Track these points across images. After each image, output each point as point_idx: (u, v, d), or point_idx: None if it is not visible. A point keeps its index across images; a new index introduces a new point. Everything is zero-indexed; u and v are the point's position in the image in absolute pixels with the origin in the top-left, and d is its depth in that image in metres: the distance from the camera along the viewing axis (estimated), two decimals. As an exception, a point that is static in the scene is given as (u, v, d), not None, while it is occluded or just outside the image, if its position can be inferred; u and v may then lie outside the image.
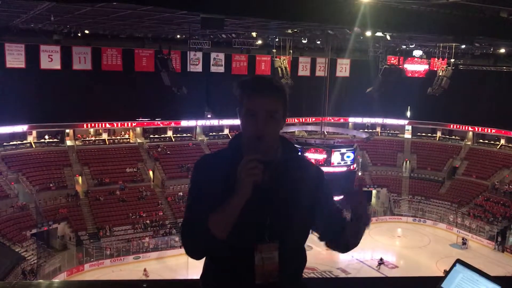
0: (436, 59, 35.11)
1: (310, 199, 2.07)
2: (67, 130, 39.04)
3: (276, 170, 2.00)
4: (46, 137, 38.47)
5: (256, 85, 1.99)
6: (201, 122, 43.36)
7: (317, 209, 2.09)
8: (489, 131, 45.27)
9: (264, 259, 1.94)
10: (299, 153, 2.20)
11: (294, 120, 45.53)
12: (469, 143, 46.27)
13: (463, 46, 32.88)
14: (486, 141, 46.02)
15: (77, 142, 39.26)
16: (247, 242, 1.95)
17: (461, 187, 42.28)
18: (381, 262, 31.12)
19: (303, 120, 45.21)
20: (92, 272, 29.25)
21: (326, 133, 32.62)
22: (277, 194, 2.00)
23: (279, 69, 35.52)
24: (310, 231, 2.15)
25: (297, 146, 2.08)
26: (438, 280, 2.22)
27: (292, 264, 2.06)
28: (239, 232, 1.92)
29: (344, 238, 2.12)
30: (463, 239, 35.70)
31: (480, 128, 45.67)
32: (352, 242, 2.15)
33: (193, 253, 2.04)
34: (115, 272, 28.84)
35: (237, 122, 2.01)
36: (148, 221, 34.15)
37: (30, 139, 37.63)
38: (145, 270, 27.89)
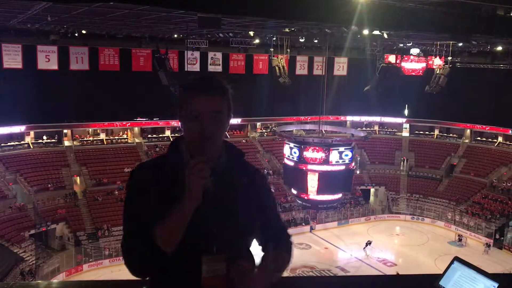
0: (434, 57, 35.14)
1: (253, 205, 1.98)
2: (65, 131, 38.99)
3: (221, 177, 1.89)
4: (44, 137, 38.44)
5: (199, 85, 1.90)
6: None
7: (258, 216, 2.01)
8: (486, 128, 45.39)
9: (211, 272, 1.81)
10: (243, 158, 2.08)
11: (293, 119, 45.59)
12: (467, 141, 46.36)
13: (460, 44, 32.92)
14: (484, 139, 46.12)
15: (75, 143, 39.22)
16: (193, 254, 1.81)
17: (459, 185, 42.36)
18: (368, 243, 32.20)
19: (301, 119, 45.24)
20: (91, 273, 29.22)
21: (324, 132, 32.63)
22: (222, 201, 1.90)
23: (276, 68, 35.52)
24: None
25: (241, 150, 1.96)
26: (437, 277, 2.23)
27: (242, 273, 1.91)
28: (184, 244, 1.81)
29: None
30: (459, 235, 35.93)
31: (477, 126, 45.78)
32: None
33: (138, 271, 1.88)
34: (114, 272, 28.81)
35: (233, 120, 1.96)
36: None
37: (28, 139, 37.58)
38: None
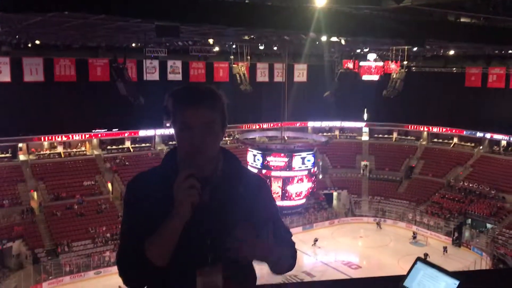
0: (390, 62, 36.10)
1: (252, 214, 1.90)
2: (20, 145, 37.66)
3: (217, 186, 1.85)
4: (-2, 152, 37.01)
5: (190, 96, 1.81)
6: (160, 131, 42.78)
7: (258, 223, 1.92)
8: (442, 130, 46.94)
9: (207, 284, 1.77)
10: (240, 165, 2.02)
11: (255, 126, 45.72)
12: (424, 142, 47.79)
13: (415, 49, 33.96)
14: (440, 140, 47.68)
15: (30, 157, 37.93)
16: (188, 266, 1.78)
17: (418, 186, 43.55)
18: (315, 240, 34.49)
19: (263, 126, 45.44)
20: (51, 291, 28.23)
21: (286, 138, 32.88)
22: (218, 212, 1.85)
23: (237, 75, 35.58)
24: None
25: (237, 157, 1.91)
26: (401, 278, 2.24)
27: (240, 285, 1.90)
28: (179, 256, 1.78)
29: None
30: (413, 233, 37.08)
31: (433, 128, 47.29)
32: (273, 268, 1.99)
33: (132, 284, 1.85)
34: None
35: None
36: (108, 235, 33.30)
37: (-20, 155, 36.13)
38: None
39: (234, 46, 33.69)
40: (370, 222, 41.01)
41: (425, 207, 40.83)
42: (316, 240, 34.97)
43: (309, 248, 34.55)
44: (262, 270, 1.95)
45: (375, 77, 36.57)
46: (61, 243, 31.76)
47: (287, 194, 27.00)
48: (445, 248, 33.95)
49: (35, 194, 35.11)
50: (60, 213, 34.08)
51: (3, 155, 37.09)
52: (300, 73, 45.56)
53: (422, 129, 47.88)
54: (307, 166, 27.21)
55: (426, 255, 27.14)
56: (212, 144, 1.84)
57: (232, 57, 35.72)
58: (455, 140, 46.67)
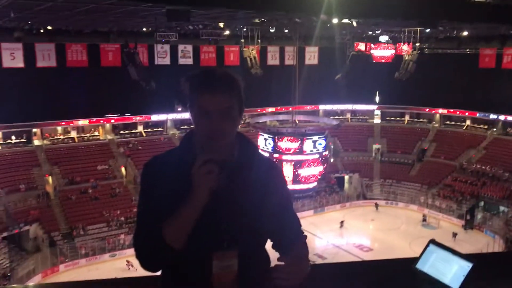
0: (402, 43, 35.64)
1: (266, 199, 1.90)
2: (34, 130, 38.10)
3: (233, 170, 1.83)
4: (13, 137, 37.46)
5: (207, 81, 1.80)
6: (171, 116, 42.95)
7: (273, 211, 1.93)
8: (456, 113, 46.43)
9: (222, 268, 1.79)
10: (256, 150, 2.02)
11: (266, 110, 45.63)
12: (436, 125, 47.36)
13: (428, 30, 33.45)
14: (453, 123, 47.22)
15: (45, 142, 38.38)
16: (204, 250, 1.80)
17: (430, 169, 43.30)
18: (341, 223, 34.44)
19: (274, 110, 45.31)
20: (67, 273, 28.79)
21: (297, 122, 32.79)
22: (233, 196, 1.84)
23: (248, 59, 35.41)
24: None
25: (254, 142, 1.92)
26: (413, 261, 2.29)
27: (254, 270, 1.88)
28: (194, 240, 1.78)
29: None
30: (423, 215, 37.03)
31: (446, 110, 46.79)
32: None
33: (149, 267, 1.86)
34: (91, 272, 28.48)
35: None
36: (122, 218, 33.75)
37: (-4, 140, 36.64)
38: (127, 262, 27.58)
39: (244, 30, 33.47)
40: (382, 205, 40.97)
41: (437, 190, 40.64)
42: (342, 222, 35.64)
43: (320, 231, 34.72)
44: (273, 254, 2.01)
45: (388, 58, 36.16)
46: (76, 227, 32.28)
47: (298, 178, 27.04)
48: (454, 234, 32.65)
49: (50, 179, 35.59)
50: (75, 197, 34.57)
51: (18, 140, 37.58)
52: (311, 55, 45.10)
53: (434, 111, 47.40)
54: (318, 150, 27.16)
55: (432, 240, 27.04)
56: (230, 129, 1.83)
57: (242, 40, 35.50)
58: (468, 122, 46.18)
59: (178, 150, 1.94)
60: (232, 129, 1.85)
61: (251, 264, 1.86)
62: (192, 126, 1.91)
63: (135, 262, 2.08)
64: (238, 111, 1.86)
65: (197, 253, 1.81)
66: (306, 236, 2.04)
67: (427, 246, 2.27)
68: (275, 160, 26.81)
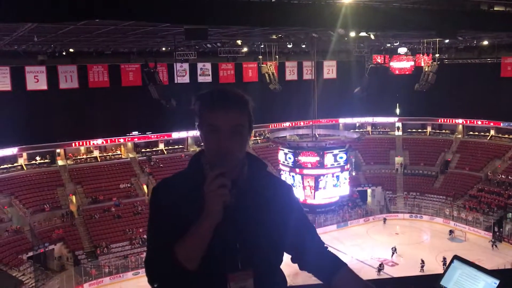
0: (421, 55, 35.37)
1: (280, 218, 1.90)
2: (58, 150, 38.81)
3: (243, 189, 1.83)
4: (37, 158, 38.24)
5: (219, 98, 1.81)
6: (192, 133, 43.24)
7: (287, 229, 1.92)
8: (478, 123, 45.66)
9: None
10: (267, 170, 2.01)
11: (285, 124, 45.64)
12: (459, 136, 46.60)
13: (447, 41, 33.17)
14: (476, 133, 46.41)
15: (68, 162, 39.03)
16: (218, 271, 1.77)
17: (454, 180, 42.51)
18: (381, 268, 30.45)
19: (294, 124, 45.29)
20: (92, 292, 28.97)
21: (317, 136, 32.66)
22: (245, 215, 1.83)
23: (266, 75, 35.58)
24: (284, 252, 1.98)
25: (263, 161, 1.90)
26: (437, 277, 2.22)
27: None
28: (207, 260, 1.74)
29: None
30: (450, 230, 36.14)
31: (469, 121, 46.06)
32: None
33: None
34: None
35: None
36: (145, 236, 33.87)
37: (21, 161, 37.38)
38: None
39: (262, 46, 33.71)
40: (406, 218, 40.30)
41: (462, 201, 39.82)
42: (394, 249, 32.67)
43: (344, 246, 34.25)
44: (288, 267, 1.98)
45: (407, 70, 35.88)
46: (100, 245, 32.55)
47: (320, 192, 26.83)
48: (494, 243, 33.40)
49: (73, 198, 36.12)
50: (98, 216, 34.94)
51: (42, 161, 38.32)
52: (330, 70, 45.17)
53: (456, 122, 46.71)
54: (339, 163, 26.95)
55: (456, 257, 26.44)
56: (239, 146, 1.82)
57: (260, 56, 35.73)
58: (492, 132, 45.31)
59: (187, 171, 1.94)
60: (241, 146, 1.84)
61: (266, 284, 1.84)
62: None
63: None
64: (248, 129, 1.87)
65: (211, 274, 1.78)
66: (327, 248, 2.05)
67: (451, 262, 2.21)
68: (296, 174, 26.74)
